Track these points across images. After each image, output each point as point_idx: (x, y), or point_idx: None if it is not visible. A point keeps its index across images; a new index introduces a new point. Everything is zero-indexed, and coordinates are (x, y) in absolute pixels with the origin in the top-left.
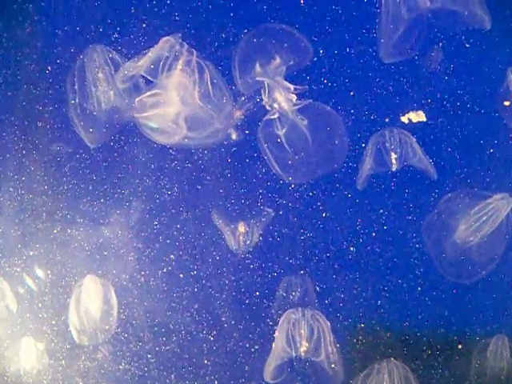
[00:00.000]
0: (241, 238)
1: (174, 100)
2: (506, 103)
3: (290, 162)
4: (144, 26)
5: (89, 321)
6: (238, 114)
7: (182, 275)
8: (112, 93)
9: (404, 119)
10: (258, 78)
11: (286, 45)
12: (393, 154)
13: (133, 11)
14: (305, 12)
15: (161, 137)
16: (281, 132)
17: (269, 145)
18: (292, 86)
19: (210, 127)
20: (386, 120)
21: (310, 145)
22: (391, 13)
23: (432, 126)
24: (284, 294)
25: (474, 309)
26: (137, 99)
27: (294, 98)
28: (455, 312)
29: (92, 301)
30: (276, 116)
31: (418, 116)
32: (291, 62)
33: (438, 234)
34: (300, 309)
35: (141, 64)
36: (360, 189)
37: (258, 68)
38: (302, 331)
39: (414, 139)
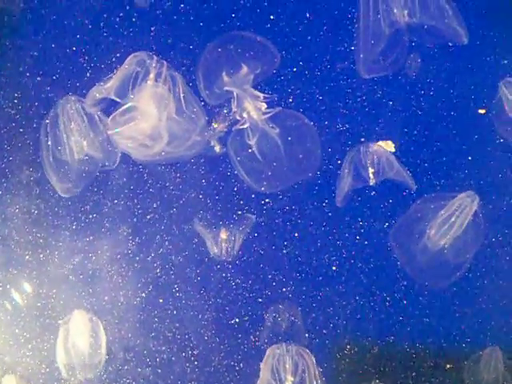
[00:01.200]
0: (223, 244)
1: (148, 114)
2: (481, 111)
3: (262, 172)
4: None
5: (77, 356)
6: (221, 127)
7: (168, 300)
8: (85, 142)
9: (375, 146)
10: (226, 88)
11: (252, 53)
12: (370, 169)
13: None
14: (281, 24)
15: (138, 152)
16: (252, 141)
17: (240, 155)
18: (261, 95)
19: (187, 140)
20: (362, 134)
21: (282, 153)
22: (371, 28)
23: (412, 139)
24: (272, 323)
25: (463, 321)
26: (110, 117)
27: (264, 106)
28: (444, 325)
29: (80, 336)
30: (246, 125)
31: (387, 145)
32: (258, 70)
33: (408, 240)
34: (284, 344)
35: (110, 85)
36: (340, 206)
37: (225, 78)
38: (287, 366)
39: (391, 153)
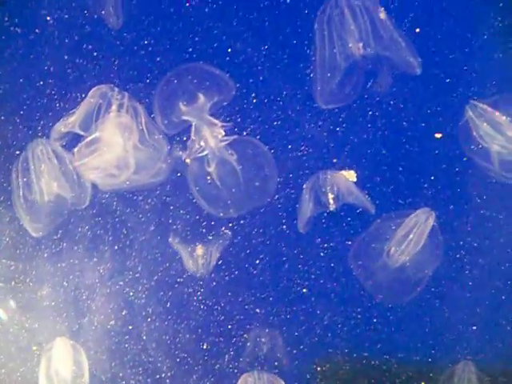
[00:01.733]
0: (199, 260)
1: (113, 144)
2: (438, 135)
3: (220, 199)
4: None
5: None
6: (186, 157)
7: (142, 324)
8: (55, 184)
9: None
10: (184, 117)
11: (207, 83)
12: (330, 194)
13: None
14: (240, 56)
15: (105, 181)
16: (210, 169)
17: (198, 183)
18: (218, 123)
19: (152, 168)
20: (322, 160)
21: (240, 180)
22: (327, 61)
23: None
24: (247, 348)
25: (436, 336)
26: (76, 149)
27: (222, 134)
28: (415, 340)
29: (63, 363)
30: (205, 153)
31: (349, 175)
32: (215, 100)
33: (367, 259)
34: (256, 372)
35: (74, 118)
36: (303, 232)
37: (182, 107)
38: None
39: (348, 178)
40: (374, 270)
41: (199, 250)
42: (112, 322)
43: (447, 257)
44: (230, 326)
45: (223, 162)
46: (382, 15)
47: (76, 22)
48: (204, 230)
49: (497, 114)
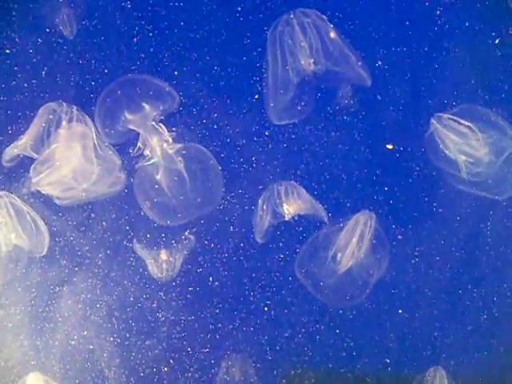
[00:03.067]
0: (163, 265)
1: (67, 158)
2: (389, 146)
3: (168, 206)
4: None
5: None
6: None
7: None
8: (13, 235)
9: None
10: (130, 127)
11: (151, 93)
12: (285, 205)
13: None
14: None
15: (63, 195)
16: (158, 176)
17: (146, 191)
18: (165, 131)
19: (109, 178)
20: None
21: (187, 187)
22: (279, 78)
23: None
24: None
25: (401, 344)
26: (32, 167)
27: (168, 141)
28: (382, 349)
29: None
30: (152, 161)
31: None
32: (161, 108)
33: (313, 267)
34: None
35: (25, 140)
36: (261, 242)
37: (128, 116)
38: None
39: (302, 188)
40: (321, 277)
41: (163, 255)
42: (76, 334)
43: (410, 265)
44: (195, 331)
45: (170, 169)
46: (332, 34)
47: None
48: (167, 235)
49: (462, 124)
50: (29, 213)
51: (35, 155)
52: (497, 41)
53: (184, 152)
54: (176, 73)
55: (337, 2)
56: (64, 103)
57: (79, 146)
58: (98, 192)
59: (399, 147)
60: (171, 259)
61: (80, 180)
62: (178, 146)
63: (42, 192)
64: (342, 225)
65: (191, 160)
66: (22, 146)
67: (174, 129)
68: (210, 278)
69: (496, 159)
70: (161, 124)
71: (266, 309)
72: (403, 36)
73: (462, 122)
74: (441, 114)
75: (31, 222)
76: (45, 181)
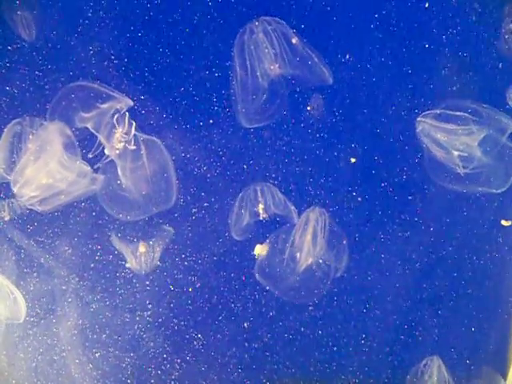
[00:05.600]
0: (142, 258)
1: (44, 162)
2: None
3: (126, 201)
4: None
5: None
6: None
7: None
8: None
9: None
10: (85, 124)
11: (103, 95)
12: (260, 205)
13: None
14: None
15: (44, 201)
16: (119, 172)
17: (105, 187)
18: (121, 128)
19: (84, 178)
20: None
21: (146, 182)
22: (248, 84)
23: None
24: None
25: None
26: (11, 178)
27: (125, 138)
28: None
29: None
30: (111, 158)
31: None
32: (117, 107)
33: (273, 268)
34: None
35: None
36: (239, 239)
37: (83, 115)
38: None
39: (277, 190)
40: (282, 278)
41: (141, 247)
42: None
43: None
44: (174, 325)
45: (128, 164)
46: (294, 40)
47: None
48: (145, 228)
49: (450, 119)
50: (6, 284)
51: (8, 177)
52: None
53: (142, 147)
54: (147, 74)
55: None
56: (27, 117)
57: (53, 149)
58: (77, 193)
59: (385, 148)
60: (150, 252)
61: (59, 182)
62: (131, 146)
63: (26, 203)
64: (293, 224)
65: (149, 156)
66: None
67: (133, 127)
68: (188, 272)
69: (490, 151)
70: (118, 122)
71: (245, 300)
72: (390, 36)
73: (452, 114)
74: (428, 112)
75: (9, 292)
76: (27, 189)
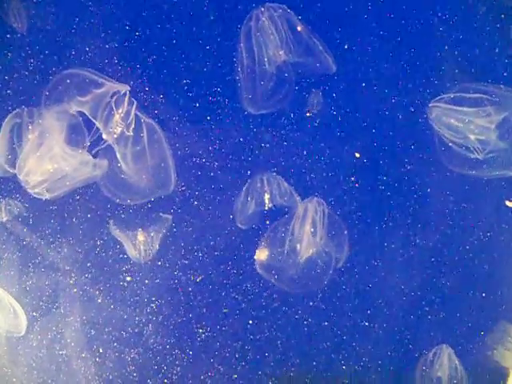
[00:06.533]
0: (141, 246)
1: (47, 147)
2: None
3: (126, 185)
4: None
5: None
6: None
7: None
8: None
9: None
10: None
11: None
12: (266, 195)
13: None
14: None
15: (50, 187)
16: (118, 156)
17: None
18: (120, 111)
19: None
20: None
21: (144, 165)
22: (255, 70)
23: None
24: None
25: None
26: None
27: (122, 123)
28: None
29: None
30: (110, 142)
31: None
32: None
33: (274, 261)
34: None
35: None
36: (244, 227)
37: (79, 98)
38: None
39: (283, 181)
40: (284, 269)
41: (140, 236)
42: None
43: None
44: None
45: (128, 148)
46: (299, 28)
47: None
48: (143, 216)
49: (459, 107)
50: (7, 298)
51: (11, 170)
52: None
53: (143, 131)
54: (148, 65)
55: None
56: (25, 108)
57: (53, 135)
58: (82, 177)
59: (393, 139)
60: (148, 240)
61: (64, 167)
62: (136, 124)
63: (33, 190)
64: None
65: (149, 139)
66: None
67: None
68: (190, 266)
69: (507, 133)
70: (117, 104)
71: (244, 289)
72: (395, 29)
73: (467, 96)
74: (440, 97)
75: (10, 307)
76: (33, 176)
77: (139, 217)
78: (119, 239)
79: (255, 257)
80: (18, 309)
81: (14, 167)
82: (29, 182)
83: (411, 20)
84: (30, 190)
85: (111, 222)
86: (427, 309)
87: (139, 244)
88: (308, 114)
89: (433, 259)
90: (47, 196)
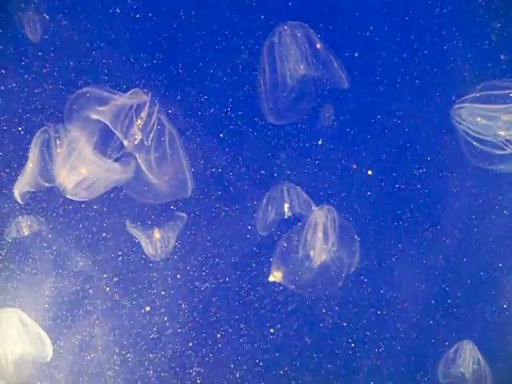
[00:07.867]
0: (158, 244)
1: (79, 155)
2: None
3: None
4: None
5: None
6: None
7: None
8: (19, 347)
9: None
10: (98, 117)
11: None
12: (285, 204)
13: None
14: None
15: (85, 192)
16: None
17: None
18: (141, 116)
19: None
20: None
21: (165, 169)
22: (277, 82)
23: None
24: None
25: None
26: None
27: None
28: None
29: None
30: (131, 147)
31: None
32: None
33: (290, 269)
34: None
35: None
36: (263, 234)
37: (100, 108)
38: None
39: (302, 191)
40: (299, 275)
41: (156, 233)
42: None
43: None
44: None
45: (147, 153)
46: (318, 45)
47: None
48: (160, 214)
49: (484, 105)
50: (34, 326)
51: (45, 183)
52: None
53: (166, 134)
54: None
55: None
56: (51, 125)
57: (81, 146)
58: (112, 179)
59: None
60: (165, 238)
61: (95, 171)
62: (153, 130)
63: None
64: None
65: (170, 145)
66: (28, 177)
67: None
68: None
69: None
70: (138, 111)
71: (258, 289)
72: (408, 36)
73: (493, 93)
74: (464, 98)
75: (36, 335)
76: (69, 182)
77: (155, 215)
78: (136, 237)
79: (272, 262)
80: (44, 336)
81: (49, 181)
82: (66, 187)
83: (426, 30)
84: (68, 196)
85: (128, 220)
86: (441, 312)
87: (156, 241)
88: (325, 123)
89: (445, 264)
90: (86, 196)
